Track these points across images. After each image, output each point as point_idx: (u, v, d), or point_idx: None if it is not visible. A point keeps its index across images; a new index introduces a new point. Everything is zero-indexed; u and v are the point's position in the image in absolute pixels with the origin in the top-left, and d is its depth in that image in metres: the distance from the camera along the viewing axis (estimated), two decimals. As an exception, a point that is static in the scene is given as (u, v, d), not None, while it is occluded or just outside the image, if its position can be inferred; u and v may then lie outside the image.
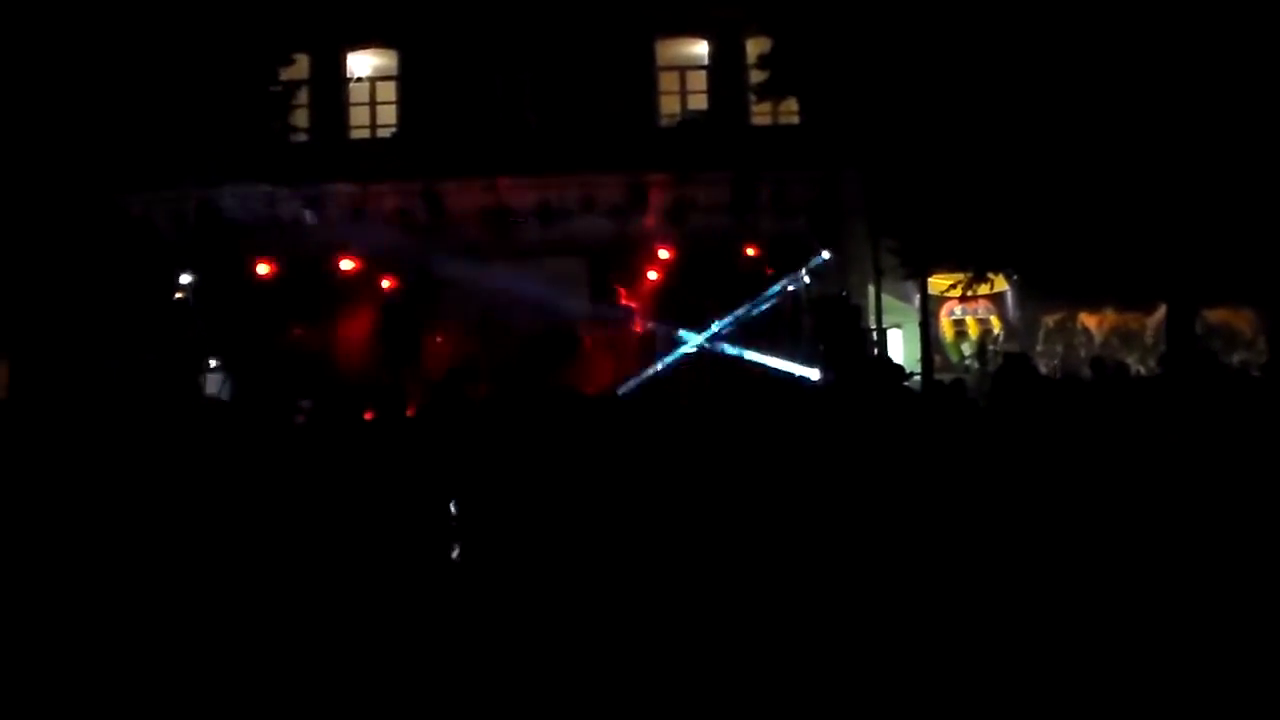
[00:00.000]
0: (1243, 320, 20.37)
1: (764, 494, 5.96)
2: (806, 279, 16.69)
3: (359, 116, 20.09)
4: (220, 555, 5.52)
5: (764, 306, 16.44)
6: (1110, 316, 21.51)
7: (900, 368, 9.99)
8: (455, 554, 5.94)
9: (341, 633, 4.95)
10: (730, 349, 16.13)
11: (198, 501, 5.95)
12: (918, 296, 17.82)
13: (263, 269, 15.98)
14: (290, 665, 4.73)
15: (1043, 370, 16.81)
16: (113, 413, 9.14)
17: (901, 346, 19.06)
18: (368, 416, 8.29)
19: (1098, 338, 21.52)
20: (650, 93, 19.90)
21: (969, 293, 18.09)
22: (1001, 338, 21.16)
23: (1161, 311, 18.10)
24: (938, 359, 18.87)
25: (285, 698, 4.55)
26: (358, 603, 5.19)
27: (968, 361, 19.81)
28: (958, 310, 21.43)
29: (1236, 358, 17.30)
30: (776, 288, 16.46)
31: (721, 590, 5.21)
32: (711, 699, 4.45)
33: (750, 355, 16.05)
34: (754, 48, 18.99)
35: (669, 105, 20.09)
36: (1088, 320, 21.71)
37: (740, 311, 16.29)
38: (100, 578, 5.33)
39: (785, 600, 5.13)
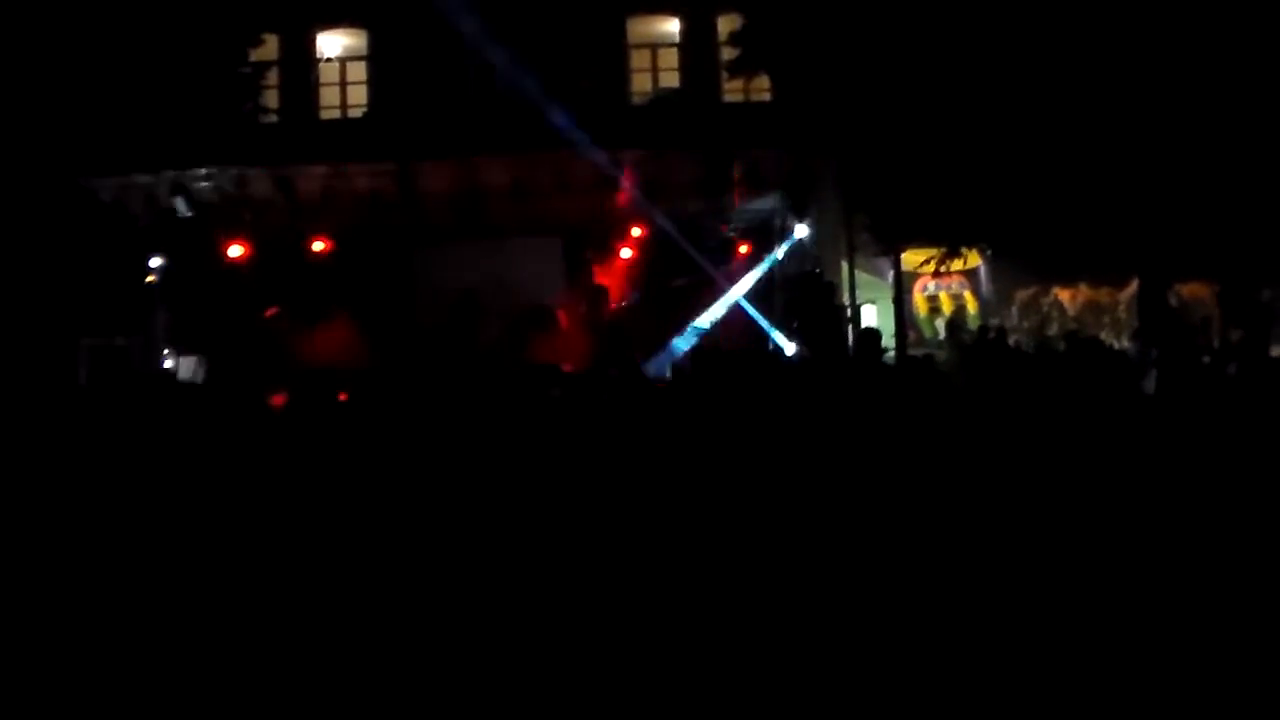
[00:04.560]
0: (1215, 295, 20.54)
1: (744, 470, 5.97)
2: (780, 255, 16.67)
3: (329, 97, 19.96)
4: (212, 544, 5.46)
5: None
6: (1084, 291, 21.70)
7: (878, 337, 10.06)
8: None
9: (341, 625, 4.89)
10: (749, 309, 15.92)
11: (180, 489, 5.90)
12: (891, 273, 17.87)
13: (234, 251, 15.71)
14: (288, 655, 4.67)
15: (1019, 345, 16.91)
16: (84, 398, 9.06)
17: (875, 323, 19.12)
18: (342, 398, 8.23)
19: (1071, 312, 21.70)
20: (622, 71, 19.85)
21: (943, 268, 18.16)
22: (971, 314, 21.27)
23: (1134, 286, 18.22)
24: (911, 335, 18.97)
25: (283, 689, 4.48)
26: (355, 594, 5.13)
27: (940, 337, 19.92)
28: (931, 286, 21.56)
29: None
30: (763, 266, 16.38)
31: (707, 567, 5.20)
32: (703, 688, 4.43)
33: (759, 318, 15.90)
34: (725, 25, 18.96)
35: (641, 83, 20.04)
36: (1061, 295, 21.90)
37: (733, 293, 16.17)
38: (87, 567, 5.27)
39: (770, 575, 5.12)
